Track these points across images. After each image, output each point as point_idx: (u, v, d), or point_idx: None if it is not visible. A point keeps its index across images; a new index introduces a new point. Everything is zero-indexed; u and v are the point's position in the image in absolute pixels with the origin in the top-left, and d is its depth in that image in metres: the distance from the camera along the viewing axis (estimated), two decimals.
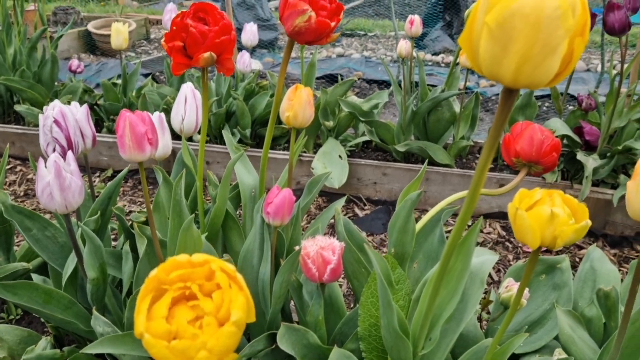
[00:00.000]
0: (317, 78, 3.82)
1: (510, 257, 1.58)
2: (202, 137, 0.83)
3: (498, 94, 3.51)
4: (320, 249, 0.73)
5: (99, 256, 0.78)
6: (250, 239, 0.82)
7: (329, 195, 1.84)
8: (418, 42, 4.83)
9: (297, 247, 0.74)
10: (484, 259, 0.72)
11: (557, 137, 1.65)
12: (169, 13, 1.98)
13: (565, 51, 0.44)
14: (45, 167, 0.72)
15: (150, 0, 8.66)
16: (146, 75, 3.28)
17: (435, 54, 4.60)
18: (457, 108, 1.78)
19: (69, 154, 0.75)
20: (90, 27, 4.49)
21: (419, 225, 0.94)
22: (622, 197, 1.54)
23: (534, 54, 0.44)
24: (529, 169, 0.98)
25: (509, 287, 0.81)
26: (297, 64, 4.15)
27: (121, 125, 0.63)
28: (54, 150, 0.91)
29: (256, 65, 4.20)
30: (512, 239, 1.66)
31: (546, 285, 0.91)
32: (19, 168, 2.12)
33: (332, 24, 0.76)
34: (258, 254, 0.81)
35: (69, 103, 2.09)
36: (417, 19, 1.67)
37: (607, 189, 1.62)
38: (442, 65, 4.43)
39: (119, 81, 2.24)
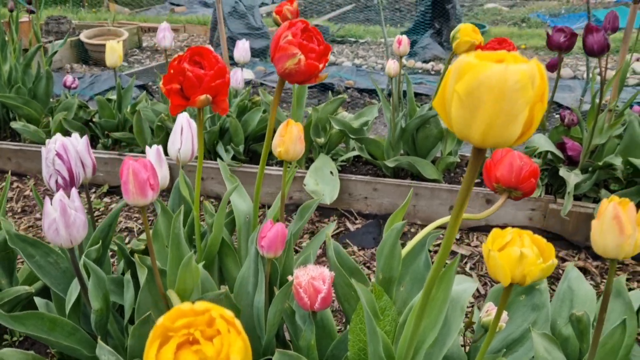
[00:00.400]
0: (309, 87, 3.87)
1: None
2: (197, 174, 0.87)
3: None
4: (311, 278, 0.78)
5: (103, 287, 0.82)
6: (246, 267, 0.87)
7: (321, 210, 1.88)
8: (410, 49, 4.89)
9: (290, 277, 0.79)
10: (464, 287, 0.77)
11: (540, 152, 1.71)
12: (163, 31, 2.02)
13: (526, 117, 0.49)
14: (51, 204, 0.77)
15: (142, 6, 8.68)
16: (140, 87, 3.32)
17: (425, 61, 4.66)
18: (444, 124, 1.83)
19: (73, 191, 0.79)
20: (83, 37, 4.52)
21: (406, 249, 0.99)
22: None
23: (498, 121, 0.49)
24: (509, 194, 1.04)
25: (489, 311, 0.86)
26: None
27: (125, 173, 0.67)
28: (57, 181, 0.96)
29: (248, 74, 4.24)
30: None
31: (526, 305, 0.97)
32: (15, 184, 2.15)
33: (320, 65, 0.81)
34: (253, 282, 0.85)
35: (64, 119, 2.13)
36: (404, 39, 1.73)
37: (589, 203, 1.67)
38: (432, 72, 4.50)
39: (114, 96, 2.27)
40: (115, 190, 2.10)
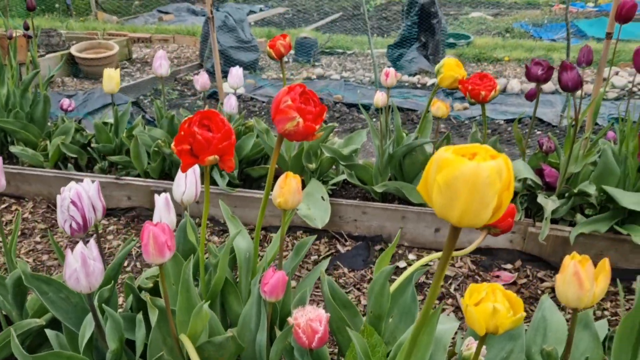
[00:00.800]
0: None
1: None
2: (203, 221, 0.96)
3: (471, 118, 3.69)
4: (309, 320, 0.87)
5: (119, 330, 0.90)
6: (249, 307, 0.95)
7: (312, 232, 1.97)
8: (395, 62, 5.00)
9: (290, 320, 0.87)
10: (447, 327, 0.86)
11: (520, 179, 1.81)
12: (159, 60, 2.10)
13: (495, 204, 0.59)
14: (72, 256, 0.84)
15: (130, 14, 8.70)
16: (133, 104, 3.37)
17: (412, 74, 4.76)
18: (430, 149, 1.93)
19: (92, 242, 0.87)
20: (74, 50, 4.56)
21: (395, 285, 1.08)
22: (578, 236, 1.70)
23: (472, 208, 0.59)
24: (488, 231, 1.13)
25: (469, 345, 0.95)
26: (279, 86, 4.27)
27: (145, 236, 0.75)
28: (71, 226, 1.03)
29: (242, 72, 4.30)
30: (481, 273, 1.81)
31: (503, 335, 1.06)
32: (14, 207, 2.21)
33: (317, 126, 0.90)
34: (255, 321, 0.94)
35: (62, 143, 2.18)
36: (391, 71, 1.82)
37: (566, 227, 1.78)
38: (419, 86, 4.60)
39: (110, 120, 2.34)
40: (112, 212, 2.16)
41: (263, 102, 4.01)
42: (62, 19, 7.67)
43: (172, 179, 2.09)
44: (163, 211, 1.04)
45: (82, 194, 1.03)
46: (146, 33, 6.28)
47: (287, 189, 0.94)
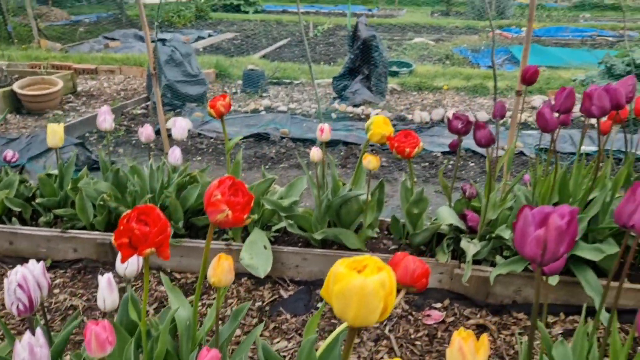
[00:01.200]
0: (245, 137, 4.05)
1: (411, 330, 1.87)
2: (144, 298, 1.04)
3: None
4: None
5: None
6: None
7: (256, 279, 2.06)
8: (340, 93, 5.19)
9: None
10: None
11: (446, 225, 1.97)
12: (103, 115, 2.16)
13: (382, 307, 0.72)
14: (20, 345, 0.92)
15: (74, 41, 8.58)
16: (77, 146, 3.37)
17: (356, 105, 4.95)
18: (364, 197, 2.07)
19: (38, 330, 0.94)
20: (16, 87, 4.51)
21: (322, 347, 1.19)
22: (498, 276, 1.87)
23: (363, 312, 0.71)
24: (407, 290, 1.27)
25: None
26: (227, 120, 4.35)
27: (88, 334, 0.84)
28: (18, 307, 1.10)
29: (186, 124, 4.36)
30: (413, 312, 1.95)
31: None
32: None
33: (245, 216, 1.01)
34: None
35: (6, 198, 2.20)
36: (326, 127, 1.96)
37: (487, 267, 1.95)
38: (363, 117, 4.79)
39: (55, 171, 2.37)
40: (58, 265, 2.19)
41: (211, 138, 4.08)
42: (2, 47, 7.50)
43: None
44: (106, 291, 1.12)
45: (28, 276, 1.10)
46: (92, 64, 6.24)
47: (219, 269, 1.05)
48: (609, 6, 14.16)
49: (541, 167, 1.98)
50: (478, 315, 1.93)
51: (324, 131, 1.96)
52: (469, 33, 10.37)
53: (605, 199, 1.86)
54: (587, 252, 1.80)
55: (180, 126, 2.27)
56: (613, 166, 2.81)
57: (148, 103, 4.94)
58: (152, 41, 4.07)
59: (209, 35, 9.72)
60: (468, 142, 3.59)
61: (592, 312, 1.45)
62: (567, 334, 1.83)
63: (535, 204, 1.94)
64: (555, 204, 1.94)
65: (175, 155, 2.22)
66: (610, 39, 9.09)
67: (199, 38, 9.34)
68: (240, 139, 3.91)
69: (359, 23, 5.02)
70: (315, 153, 1.92)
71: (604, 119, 1.90)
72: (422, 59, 7.82)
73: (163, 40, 5.03)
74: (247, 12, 13.70)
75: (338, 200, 1.97)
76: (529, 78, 1.81)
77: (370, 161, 1.89)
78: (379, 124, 1.87)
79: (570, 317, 1.91)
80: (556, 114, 1.75)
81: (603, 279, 1.81)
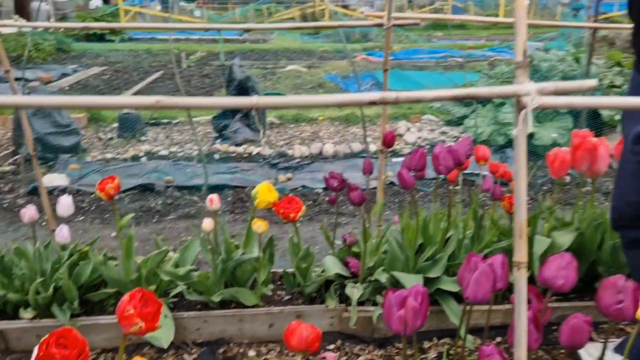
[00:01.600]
0: (129, 189, 4.02)
1: None
2: None
3: (294, 189, 4.13)
4: None
5: None
6: None
7: (159, 348, 2.13)
8: (221, 133, 5.30)
9: None
10: None
11: (331, 274, 2.21)
12: None
13: None
14: None
15: None
16: None
17: (238, 144, 5.10)
18: (258, 254, 2.24)
19: None
20: None
21: None
22: (380, 314, 2.14)
23: None
24: (304, 355, 1.47)
25: None
26: (106, 172, 4.26)
27: None
28: None
29: (62, 180, 4.21)
30: (310, 357, 2.15)
31: None
32: None
33: (156, 324, 1.14)
34: None
35: None
36: (215, 198, 2.10)
37: (371, 307, 2.22)
38: (245, 155, 4.95)
39: None
40: None
41: (91, 193, 3.99)
42: None
43: (7, 319, 2.10)
44: None
45: None
46: None
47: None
48: (457, 25, 15.72)
49: (407, 214, 2.29)
50: (366, 351, 2.18)
51: (214, 201, 2.10)
52: (337, 58, 10.95)
53: (459, 236, 2.22)
54: (448, 284, 2.13)
55: (65, 203, 2.27)
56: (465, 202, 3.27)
57: (17, 157, 4.67)
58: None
59: (74, 71, 9.26)
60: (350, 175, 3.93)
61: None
62: (440, 356, 2.14)
63: (406, 247, 2.25)
64: (420, 245, 2.27)
65: (63, 234, 2.22)
66: (459, 59, 10.15)
67: (63, 75, 8.86)
68: (124, 192, 3.88)
69: (234, 65, 5.20)
70: (207, 222, 2.05)
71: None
72: (296, 88, 8.17)
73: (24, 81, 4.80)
74: (112, 41, 13.21)
75: (232, 264, 2.12)
76: (388, 142, 2.12)
77: (260, 226, 2.06)
78: (264, 192, 2.06)
79: (442, 340, 2.23)
80: (412, 173, 2.06)
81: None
